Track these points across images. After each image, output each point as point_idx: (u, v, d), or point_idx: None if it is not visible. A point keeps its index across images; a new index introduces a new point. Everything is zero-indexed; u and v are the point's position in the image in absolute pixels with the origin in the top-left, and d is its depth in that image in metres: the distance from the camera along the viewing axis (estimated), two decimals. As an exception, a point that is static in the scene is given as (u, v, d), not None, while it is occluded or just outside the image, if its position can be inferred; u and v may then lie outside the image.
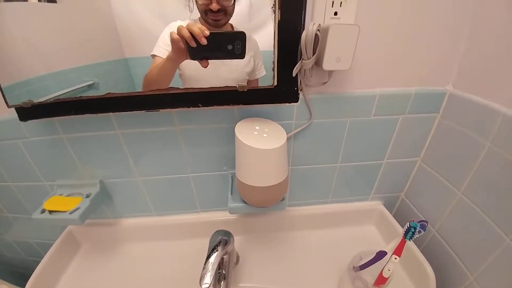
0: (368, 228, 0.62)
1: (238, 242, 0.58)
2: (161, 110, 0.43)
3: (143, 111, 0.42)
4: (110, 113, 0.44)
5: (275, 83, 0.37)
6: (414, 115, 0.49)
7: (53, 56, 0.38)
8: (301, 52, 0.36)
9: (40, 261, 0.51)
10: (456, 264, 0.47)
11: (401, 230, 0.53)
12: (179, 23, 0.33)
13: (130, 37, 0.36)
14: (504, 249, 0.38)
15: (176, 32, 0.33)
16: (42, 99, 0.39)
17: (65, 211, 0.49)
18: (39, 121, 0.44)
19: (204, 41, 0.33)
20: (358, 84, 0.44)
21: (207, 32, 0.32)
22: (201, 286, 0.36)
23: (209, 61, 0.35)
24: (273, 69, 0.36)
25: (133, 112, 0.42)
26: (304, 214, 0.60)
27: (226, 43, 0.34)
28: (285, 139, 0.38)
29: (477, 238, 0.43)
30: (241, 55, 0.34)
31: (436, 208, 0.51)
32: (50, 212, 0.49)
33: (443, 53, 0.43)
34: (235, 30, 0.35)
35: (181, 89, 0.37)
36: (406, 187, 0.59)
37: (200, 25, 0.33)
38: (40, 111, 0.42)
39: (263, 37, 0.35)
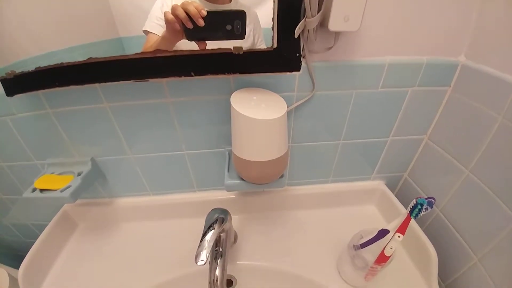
0: (369, 208, 0.61)
1: (236, 222, 0.57)
2: (150, 79, 0.39)
3: (131, 81, 0.39)
4: (96, 84, 0.41)
5: (275, 45, 0.33)
6: (424, 88, 0.45)
7: (45, 37, 0.37)
8: (304, 9, 0.32)
9: (37, 242, 0.50)
10: (460, 244, 0.45)
11: (403, 210, 0.52)
12: None
13: (124, 15, 0.34)
14: (512, 229, 0.36)
15: (170, 11, 0.30)
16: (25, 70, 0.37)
17: (56, 190, 0.47)
18: (25, 96, 0.41)
19: (201, 22, 0.31)
20: (367, 51, 0.40)
21: (204, 12, 0.30)
22: (196, 263, 0.35)
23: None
24: (273, 28, 0.32)
25: (120, 82, 0.39)
26: (304, 194, 0.58)
27: (225, 23, 0.32)
28: (286, 109, 0.35)
29: (483, 218, 0.41)
30: (241, 35, 0.33)
31: (441, 187, 0.49)
32: (41, 190, 0.47)
33: (456, 19, 0.39)
34: (233, 5, 0.32)
35: (170, 51, 0.33)
36: (410, 166, 0.57)
37: (196, 4, 0.30)
38: (25, 83, 0.39)
39: (266, 11, 0.32)
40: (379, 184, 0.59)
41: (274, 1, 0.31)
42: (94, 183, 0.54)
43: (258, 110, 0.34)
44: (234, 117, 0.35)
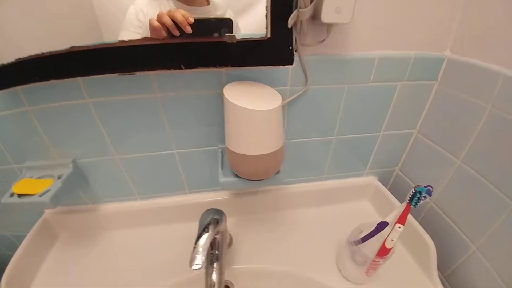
0: (363, 204, 0.61)
1: (230, 224, 0.55)
2: (137, 73, 0.37)
3: (116, 74, 0.37)
4: (78, 78, 0.38)
5: (269, 35, 0.32)
6: (412, 82, 0.46)
7: (25, 41, 0.34)
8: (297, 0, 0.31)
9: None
10: (457, 234, 0.46)
11: (398, 204, 0.52)
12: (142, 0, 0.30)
13: (108, 17, 0.33)
14: (509, 214, 0.37)
15: (156, 18, 0.30)
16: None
17: (34, 194, 0.43)
18: (4, 93, 0.39)
19: (189, 30, 0.31)
20: (358, 45, 0.41)
21: (192, 19, 0.30)
22: (191, 267, 0.32)
23: None
24: (266, 16, 0.31)
25: (104, 76, 0.36)
26: (299, 192, 0.57)
27: (212, 31, 0.32)
28: (281, 101, 0.35)
29: (478, 206, 0.42)
30: None
31: (434, 179, 0.50)
32: (20, 196, 0.43)
33: (441, 15, 0.41)
34: (211, 8, 0.32)
35: (160, 39, 0.31)
36: (402, 160, 0.58)
37: (183, 12, 0.30)
38: (2, 79, 0.36)
39: (250, 20, 0.32)
40: (372, 180, 0.59)
41: (268, -10, 0.30)
42: (76, 188, 0.50)
43: (253, 101, 0.33)
44: (228, 109, 0.34)
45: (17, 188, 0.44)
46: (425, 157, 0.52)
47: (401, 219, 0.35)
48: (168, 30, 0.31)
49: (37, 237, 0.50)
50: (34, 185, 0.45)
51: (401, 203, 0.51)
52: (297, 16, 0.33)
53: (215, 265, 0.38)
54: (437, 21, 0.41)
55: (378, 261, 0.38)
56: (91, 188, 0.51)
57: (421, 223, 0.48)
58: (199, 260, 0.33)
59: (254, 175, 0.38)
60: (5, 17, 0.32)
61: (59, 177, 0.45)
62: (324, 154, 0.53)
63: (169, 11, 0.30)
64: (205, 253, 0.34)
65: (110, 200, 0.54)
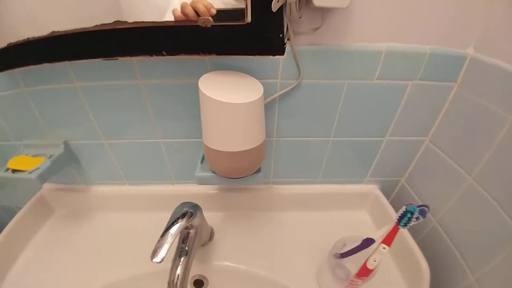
0: (360, 214, 0.56)
1: (215, 219, 0.53)
2: (119, 58, 0.36)
3: (100, 59, 0.36)
4: (66, 62, 0.38)
5: (249, 19, 0.29)
6: (426, 82, 0.40)
7: (44, 19, 0.34)
8: (284, -22, 0.28)
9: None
10: (456, 260, 0.40)
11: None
12: None
13: (133, 2, 0.32)
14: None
15: (179, 9, 0.29)
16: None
17: (25, 171, 0.45)
18: (5, 74, 0.40)
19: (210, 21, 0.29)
20: (360, 35, 0.35)
21: (214, 11, 0.29)
22: (152, 260, 0.31)
23: None
24: (245, -1, 0.28)
25: (89, 60, 0.36)
26: (290, 193, 0.54)
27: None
28: (261, 94, 0.31)
29: (485, 233, 0.36)
30: None
31: (441, 195, 0.44)
32: (13, 171, 0.46)
33: (465, 5, 0.34)
34: None
35: (131, 23, 0.29)
36: (408, 171, 0.52)
37: (206, 2, 0.28)
38: (2, 62, 0.38)
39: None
40: (372, 189, 0.54)
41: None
42: (69, 168, 0.51)
43: (228, 93, 0.30)
44: (202, 100, 0.31)
45: (12, 163, 0.46)
46: (435, 169, 0.46)
47: (387, 240, 0.31)
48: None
49: (31, 211, 0.53)
50: (27, 162, 0.47)
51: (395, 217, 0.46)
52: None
53: (182, 259, 0.37)
54: (460, 11, 0.35)
55: (357, 282, 0.34)
56: (83, 170, 0.52)
57: (420, 243, 0.43)
58: (162, 253, 0.32)
59: (228, 172, 0.35)
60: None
61: (50, 157, 0.47)
62: (319, 156, 0.49)
63: (192, 1, 0.29)
64: (170, 246, 0.32)
65: (101, 183, 0.55)
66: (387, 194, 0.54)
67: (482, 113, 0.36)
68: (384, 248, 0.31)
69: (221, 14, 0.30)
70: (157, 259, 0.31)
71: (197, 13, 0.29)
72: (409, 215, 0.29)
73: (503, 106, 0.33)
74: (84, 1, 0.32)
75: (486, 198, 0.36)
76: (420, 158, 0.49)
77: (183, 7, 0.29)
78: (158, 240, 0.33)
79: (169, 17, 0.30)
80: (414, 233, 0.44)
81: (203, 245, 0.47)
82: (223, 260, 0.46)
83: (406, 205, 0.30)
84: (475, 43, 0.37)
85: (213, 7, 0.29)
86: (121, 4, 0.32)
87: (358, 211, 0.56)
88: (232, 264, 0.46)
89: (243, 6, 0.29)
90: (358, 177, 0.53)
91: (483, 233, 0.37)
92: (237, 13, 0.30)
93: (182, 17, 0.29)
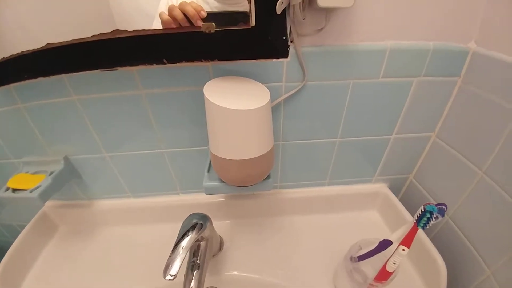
0: (371, 213, 0.55)
1: (224, 227, 0.52)
2: (119, 68, 0.35)
3: (98, 70, 0.35)
4: (63, 75, 0.37)
5: (253, 23, 0.28)
6: (431, 78, 0.40)
7: (36, 30, 0.33)
8: (288, -20, 0.27)
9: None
10: (472, 255, 0.40)
11: (408, 217, 0.47)
12: None
13: (123, 13, 0.31)
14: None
15: (167, 12, 0.28)
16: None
17: (26, 190, 0.43)
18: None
19: (200, 24, 0.28)
20: (365, 34, 0.35)
21: (204, 13, 0.28)
22: (164, 277, 0.30)
23: None
24: (249, 2, 0.27)
25: (87, 72, 0.34)
26: (298, 197, 0.53)
27: (228, 25, 0.29)
28: (268, 99, 0.30)
29: (498, 226, 0.36)
30: None
31: (451, 191, 0.44)
32: (14, 190, 0.44)
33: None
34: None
35: (131, 31, 0.28)
36: (416, 167, 0.51)
37: (196, 4, 0.27)
38: None
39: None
40: (381, 187, 0.53)
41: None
42: (71, 184, 0.50)
43: (235, 100, 0.29)
44: (208, 108, 0.30)
45: (12, 182, 0.45)
46: (443, 165, 0.45)
47: (406, 241, 0.30)
48: (179, 25, 0.28)
49: (35, 229, 0.51)
50: (27, 180, 0.45)
51: (412, 215, 0.45)
52: (288, 1, 0.28)
53: (195, 273, 0.35)
54: (460, 6, 0.34)
55: (377, 286, 0.33)
56: (86, 185, 0.51)
57: (433, 239, 0.42)
58: (175, 270, 0.30)
59: (239, 181, 0.34)
60: (24, 8, 0.31)
61: (51, 173, 0.45)
62: (326, 158, 0.48)
63: (180, 3, 0.28)
64: (182, 261, 0.31)
65: (104, 197, 0.53)
66: (395, 191, 0.53)
67: (487, 106, 0.36)
68: (403, 250, 0.30)
69: (211, 17, 0.28)
70: (169, 277, 0.30)
71: (186, 16, 0.28)
72: (428, 215, 0.28)
73: (507, 98, 0.33)
74: (77, 12, 0.32)
75: (497, 191, 0.35)
76: (428, 154, 0.49)
77: (170, 9, 0.28)
78: (170, 255, 0.32)
79: (157, 22, 0.29)
80: (427, 230, 0.43)
81: (213, 255, 0.46)
82: (235, 270, 0.45)
83: (424, 205, 0.29)
84: (476, 37, 0.37)
85: (203, 10, 0.28)
86: (113, 13, 0.31)
87: (368, 211, 0.55)
88: (245, 274, 0.44)
89: (231, 9, 0.28)
90: (366, 176, 0.52)
91: (496, 226, 0.36)
92: (229, 17, 0.29)
93: (170, 21, 0.28)
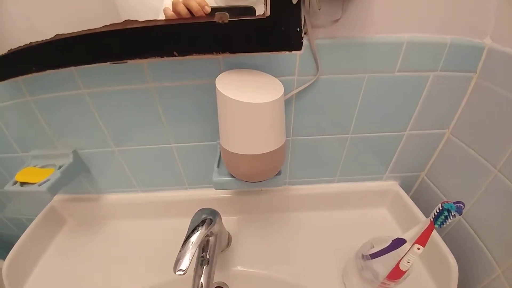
0: (381, 211, 0.54)
1: (232, 223, 0.52)
2: (128, 61, 0.34)
3: (108, 63, 0.34)
4: (72, 68, 0.37)
5: (268, 13, 0.27)
6: (447, 73, 0.38)
7: (42, 23, 0.33)
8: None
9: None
10: (483, 254, 0.39)
11: (419, 215, 0.46)
12: None
13: (128, 4, 0.31)
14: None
15: (170, 8, 0.27)
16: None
17: (35, 183, 0.43)
18: (7, 84, 0.39)
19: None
20: (381, 26, 0.34)
21: (208, 9, 0.27)
22: (175, 272, 0.30)
23: None
24: (266, -10, 0.26)
25: (96, 65, 0.34)
26: (307, 194, 0.52)
27: None
28: (282, 92, 0.30)
29: (511, 225, 0.35)
30: None
31: (465, 189, 0.42)
32: (22, 184, 0.44)
33: None
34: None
35: (143, 21, 0.28)
36: (429, 164, 0.50)
37: (200, 0, 0.27)
38: (3, 70, 0.36)
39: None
40: (392, 185, 0.52)
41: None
42: (79, 178, 0.50)
43: (248, 93, 0.29)
44: (220, 101, 0.30)
45: (20, 176, 0.45)
46: (457, 162, 0.44)
47: (422, 240, 0.29)
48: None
49: (43, 222, 0.52)
50: (36, 174, 0.45)
51: (423, 213, 0.44)
52: (305, -10, 0.27)
53: (204, 268, 0.35)
54: (475, 0, 0.33)
55: (389, 284, 0.33)
56: (94, 178, 0.51)
57: (445, 237, 0.41)
58: (185, 264, 0.30)
59: (249, 176, 0.34)
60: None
61: (60, 167, 0.45)
62: (337, 154, 0.48)
63: None
64: (192, 256, 0.31)
65: (112, 191, 0.53)
66: (406, 189, 0.52)
67: (503, 103, 0.35)
68: (418, 248, 0.29)
69: (215, 12, 0.28)
70: (180, 272, 0.30)
71: (190, 11, 0.27)
72: (445, 213, 0.28)
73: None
74: (82, 7, 0.31)
75: (515, 190, 0.34)
76: (441, 151, 0.47)
77: (174, 4, 0.27)
78: (180, 250, 0.32)
79: (161, 17, 0.29)
80: (438, 228, 0.42)
81: (221, 251, 0.46)
82: (243, 265, 0.45)
83: (442, 203, 0.28)
84: (491, 33, 0.36)
85: (207, 5, 0.27)
86: (118, 7, 0.31)
87: (378, 208, 0.54)
88: (253, 270, 0.44)
89: (236, 4, 0.28)
90: (377, 173, 0.51)
91: (510, 225, 0.35)
92: (234, 12, 0.28)
93: (174, 16, 0.28)
